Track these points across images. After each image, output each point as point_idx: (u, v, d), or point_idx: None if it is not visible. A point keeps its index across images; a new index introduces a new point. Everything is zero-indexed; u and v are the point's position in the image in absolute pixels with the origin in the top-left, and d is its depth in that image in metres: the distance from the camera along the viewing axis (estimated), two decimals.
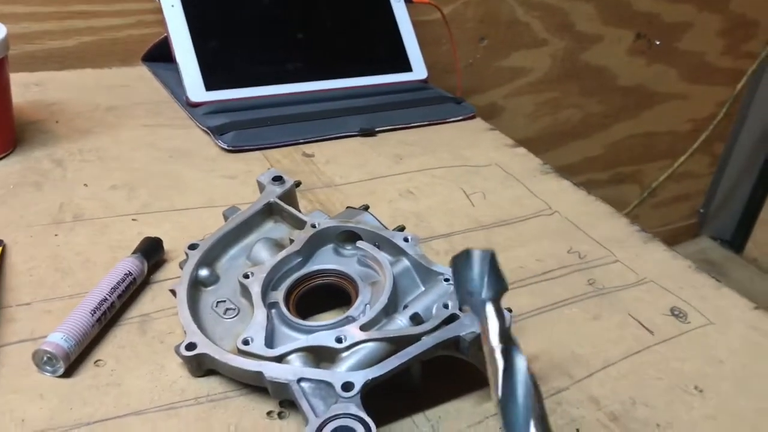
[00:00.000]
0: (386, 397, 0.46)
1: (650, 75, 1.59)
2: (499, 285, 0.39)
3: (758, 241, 1.87)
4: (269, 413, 0.47)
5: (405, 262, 0.55)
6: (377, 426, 0.41)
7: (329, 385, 0.45)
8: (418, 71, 1.01)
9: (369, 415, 0.42)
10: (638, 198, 1.72)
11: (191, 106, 0.86)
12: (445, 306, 0.50)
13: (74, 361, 0.48)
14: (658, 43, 1.55)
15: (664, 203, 1.83)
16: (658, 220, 1.85)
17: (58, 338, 0.47)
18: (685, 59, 1.62)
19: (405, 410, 0.49)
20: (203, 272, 0.54)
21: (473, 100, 1.03)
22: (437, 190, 0.77)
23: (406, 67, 1.01)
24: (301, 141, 0.83)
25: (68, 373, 0.48)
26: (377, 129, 0.88)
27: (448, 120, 0.94)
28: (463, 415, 0.49)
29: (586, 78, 1.49)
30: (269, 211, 0.60)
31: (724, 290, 0.66)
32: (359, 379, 0.44)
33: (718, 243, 1.93)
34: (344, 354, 0.48)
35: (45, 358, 0.47)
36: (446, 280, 0.52)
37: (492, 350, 0.35)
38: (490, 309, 0.37)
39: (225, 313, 0.52)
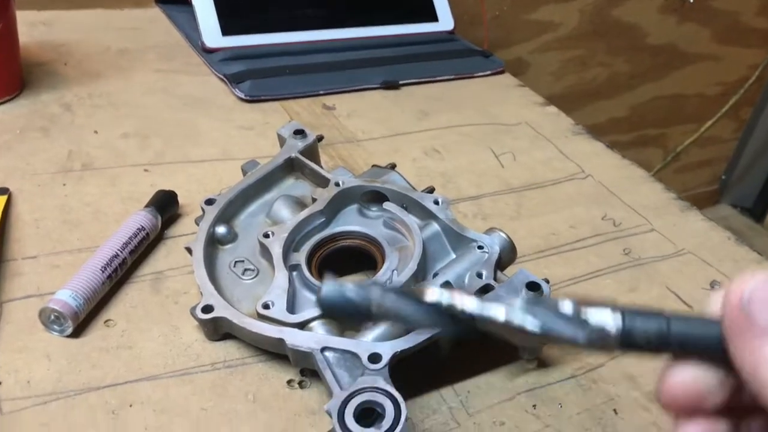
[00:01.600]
0: (411, 366, 0.43)
1: (681, 34, 1.52)
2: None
3: None
4: (289, 382, 0.45)
5: (435, 227, 0.51)
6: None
7: (355, 355, 0.42)
8: (445, 22, 0.96)
9: (396, 388, 0.39)
10: (661, 162, 1.68)
11: (207, 52, 0.81)
12: (479, 275, 0.47)
13: (83, 320, 0.46)
14: (691, 0, 1.48)
15: (687, 168, 1.78)
16: (679, 185, 1.80)
17: (67, 296, 0.44)
18: (719, 19, 1.55)
19: (432, 383, 0.46)
20: (221, 229, 0.51)
21: (498, 54, 0.98)
22: (464, 148, 0.73)
23: (432, 17, 0.96)
24: (321, 92, 0.79)
25: (77, 333, 0.45)
26: (401, 82, 0.84)
27: (475, 74, 0.89)
28: (494, 391, 0.46)
29: (614, 35, 1.43)
30: (290, 167, 0.56)
31: (767, 264, 0.62)
32: (387, 350, 0.41)
33: (738, 211, 1.89)
34: (370, 322, 0.45)
35: (52, 317, 0.44)
36: (480, 247, 0.49)
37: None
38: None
39: (243, 274, 0.49)
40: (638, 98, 1.56)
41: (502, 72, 0.91)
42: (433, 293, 0.28)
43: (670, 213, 0.68)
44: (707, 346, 0.26)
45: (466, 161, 0.71)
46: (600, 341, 0.26)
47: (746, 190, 1.89)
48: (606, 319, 0.26)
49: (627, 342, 0.26)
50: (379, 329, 0.44)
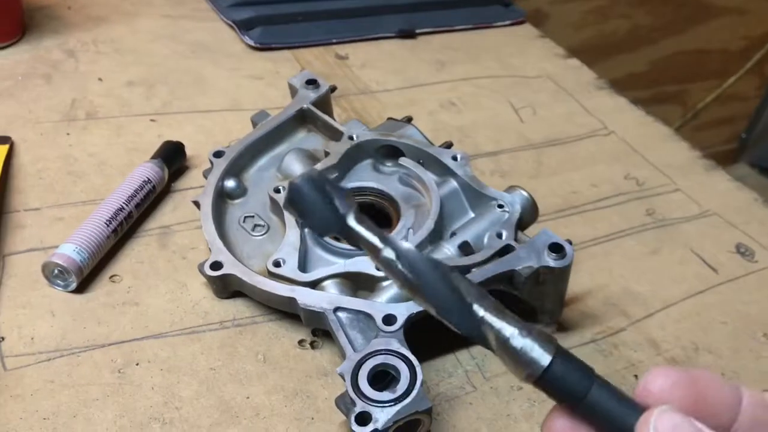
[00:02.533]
0: (426, 329, 0.41)
1: None
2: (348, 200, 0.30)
3: None
4: (301, 342, 0.43)
5: (453, 184, 0.49)
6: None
7: (369, 316, 0.40)
8: None
9: (411, 351, 0.38)
10: (680, 120, 1.63)
11: None
12: (499, 235, 0.45)
13: (88, 275, 0.44)
14: None
15: (705, 126, 1.73)
16: (696, 143, 1.75)
17: (70, 250, 0.43)
18: None
19: (448, 346, 0.44)
20: (230, 183, 0.49)
21: (515, 4, 0.93)
22: (483, 102, 0.71)
23: None
24: (334, 41, 0.76)
25: (81, 289, 0.44)
26: (417, 30, 0.80)
27: (494, 24, 0.85)
28: None
29: None
30: (302, 119, 0.54)
31: None
32: (402, 312, 0.40)
33: (756, 171, 1.85)
34: (385, 283, 0.43)
35: (56, 271, 0.43)
36: (500, 206, 0.47)
37: (380, 254, 0.28)
38: (354, 223, 0.29)
39: (253, 230, 0.47)
40: (659, 52, 1.51)
41: (522, 22, 0.87)
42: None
43: (694, 172, 0.65)
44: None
45: (484, 115, 0.68)
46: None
47: (766, 149, 1.85)
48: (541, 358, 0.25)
49: (545, 380, 0.26)
50: (394, 289, 0.43)
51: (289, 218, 0.46)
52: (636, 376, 0.44)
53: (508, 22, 0.86)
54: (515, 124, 0.68)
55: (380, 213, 0.49)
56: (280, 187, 0.48)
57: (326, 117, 0.53)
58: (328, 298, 0.41)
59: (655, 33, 1.48)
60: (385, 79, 0.71)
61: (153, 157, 0.52)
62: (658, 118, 0.73)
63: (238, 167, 0.50)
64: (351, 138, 0.51)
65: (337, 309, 0.41)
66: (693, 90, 1.63)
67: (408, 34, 0.79)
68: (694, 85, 1.62)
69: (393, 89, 0.70)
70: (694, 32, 1.53)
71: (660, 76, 1.55)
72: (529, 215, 0.47)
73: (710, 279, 0.53)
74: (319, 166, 0.49)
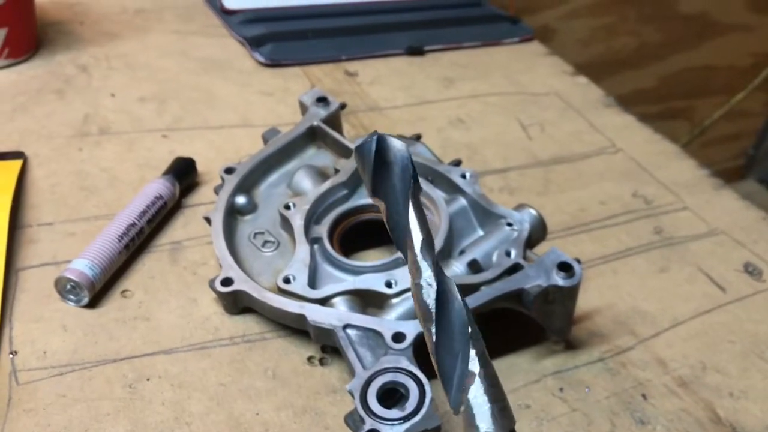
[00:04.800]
0: None
1: (714, 2, 1.47)
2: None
3: None
4: (310, 359, 0.43)
5: (462, 202, 0.49)
6: None
7: (378, 334, 0.40)
8: None
9: (420, 369, 0.38)
10: (687, 136, 1.63)
11: (226, 13, 0.79)
12: (508, 254, 0.45)
13: (99, 290, 0.44)
14: None
15: (713, 142, 1.73)
16: (703, 159, 1.74)
17: (83, 265, 0.43)
18: None
19: None
20: (240, 199, 0.49)
21: (523, 20, 0.94)
22: (491, 119, 0.71)
23: None
24: (344, 58, 0.77)
25: (93, 304, 0.44)
26: (426, 48, 0.81)
27: (502, 41, 0.86)
28: (519, 372, 0.45)
29: (645, 2, 1.38)
30: (312, 136, 0.54)
31: None
32: (411, 330, 0.40)
33: (764, 187, 1.84)
34: (394, 300, 0.43)
35: (68, 287, 0.43)
36: (509, 224, 0.47)
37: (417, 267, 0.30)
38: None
39: (263, 246, 0.48)
40: (667, 69, 1.52)
41: (530, 39, 0.88)
42: None
43: (703, 191, 0.65)
44: None
45: (493, 132, 0.69)
46: None
47: None
48: None
49: None
50: (403, 307, 0.43)
51: (300, 234, 0.46)
52: (644, 395, 0.44)
53: (516, 40, 0.87)
54: (523, 141, 0.68)
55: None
56: (290, 204, 0.48)
57: (336, 134, 0.53)
58: (337, 315, 0.42)
59: (662, 49, 1.48)
60: (393, 95, 0.72)
61: (164, 173, 0.53)
62: (666, 134, 0.74)
63: (248, 183, 0.51)
64: None
65: (346, 326, 0.41)
66: (700, 106, 1.63)
67: (416, 52, 0.80)
68: (702, 102, 1.62)
69: (402, 106, 0.71)
70: (702, 49, 1.53)
71: (668, 93, 1.55)
72: (537, 233, 0.48)
73: (718, 298, 0.53)
74: (328, 184, 0.49)
